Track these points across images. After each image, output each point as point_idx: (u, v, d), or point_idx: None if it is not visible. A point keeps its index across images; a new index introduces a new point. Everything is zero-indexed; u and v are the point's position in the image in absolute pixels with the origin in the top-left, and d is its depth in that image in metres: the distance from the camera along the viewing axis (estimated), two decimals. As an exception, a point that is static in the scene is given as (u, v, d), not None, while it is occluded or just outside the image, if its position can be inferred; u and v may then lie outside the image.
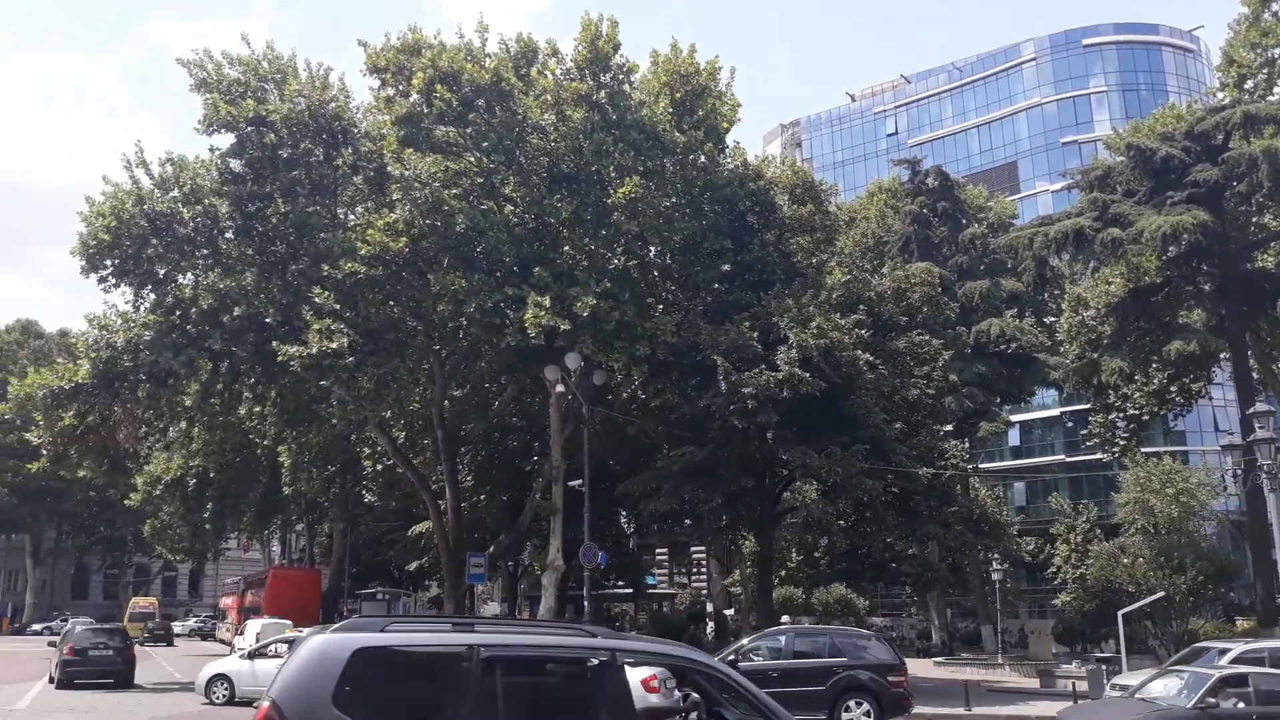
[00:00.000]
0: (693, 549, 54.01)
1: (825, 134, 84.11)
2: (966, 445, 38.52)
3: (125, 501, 49.21)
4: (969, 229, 43.45)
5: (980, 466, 47.52)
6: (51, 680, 25.78)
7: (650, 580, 54.82)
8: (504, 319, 24.31)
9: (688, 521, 34.61)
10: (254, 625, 35.11)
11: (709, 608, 46.15)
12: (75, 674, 24.71)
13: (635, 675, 15.17)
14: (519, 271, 25.01)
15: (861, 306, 26.62)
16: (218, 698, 21.37)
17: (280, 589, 41.52)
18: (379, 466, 38.12)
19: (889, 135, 79.36)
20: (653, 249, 27.50)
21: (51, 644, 33.27)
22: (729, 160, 29.18)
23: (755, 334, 24.93)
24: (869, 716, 17.05)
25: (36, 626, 64.93)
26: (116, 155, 29.87)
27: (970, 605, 47.57)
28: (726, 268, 27.75)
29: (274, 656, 21.08)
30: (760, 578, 32.14)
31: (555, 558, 28.44)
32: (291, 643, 21.27)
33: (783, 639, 19.28)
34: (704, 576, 54.48)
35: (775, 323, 24.89)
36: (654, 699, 15.35)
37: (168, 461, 39.71)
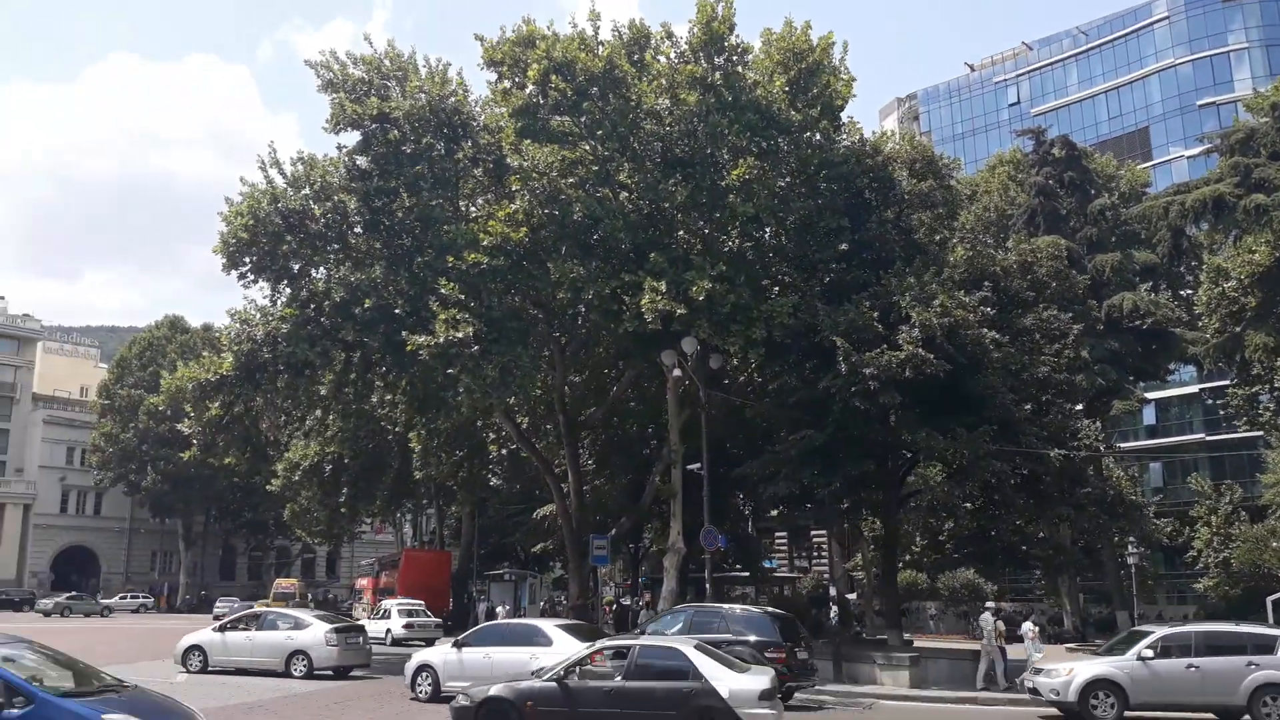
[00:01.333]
0: (812, 532, 53.58)
1: (944, 106, 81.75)
2: (1099, 425, 37.08)
3: (267, 487, 51.78)
4: (1098, 199, 41.66)
5: (1114, 447, 45.66)
6: None
7: (770, 564, 54.68)
8: (621, 305, 24.58)
9: (807, 505, 34.37)
10: (389, 605, 36.63)
11: (832, 592, 45.76)
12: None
13: (572, 646, 16.78)
14: (635, 257, 25.22)
15: (986, 283, 25.86)
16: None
17: (413, 570, 43.09)
18: (504, 451, 39.10)
19: (1011, 105, 76.64)
20: (768, 230, 27.34)
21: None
22: (845, 137, 28.71)
23: (875, 314, 24.50)
24: None
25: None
26: (252, 156, 31.29)
27: (1105, 590, 45.82)
28: (844, 247, 27.34)
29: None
30: (884, 562, 31.71)
31: (676, 540, 28.68)
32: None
33: (683, 617, 20.57)
34: (824, 560, 54.04)
35: (896, 302, 24.43)
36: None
37: (305, 448, 41.56)
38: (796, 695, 19.12)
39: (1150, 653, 17.13)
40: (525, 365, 26.67)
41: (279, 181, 27.99)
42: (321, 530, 57.48)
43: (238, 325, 28.65)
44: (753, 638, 18.80)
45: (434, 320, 24.55)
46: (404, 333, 25.27)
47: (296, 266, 28.22)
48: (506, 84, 27.25)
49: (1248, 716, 16.17)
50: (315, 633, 22.36)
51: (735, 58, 26.26)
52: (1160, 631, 18.22)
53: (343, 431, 37.54)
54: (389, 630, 35.35)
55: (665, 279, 23.26)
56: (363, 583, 57.65)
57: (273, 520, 71.75)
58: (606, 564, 36.69)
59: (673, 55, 26.90)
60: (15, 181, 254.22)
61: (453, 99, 28.40)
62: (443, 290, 24.80)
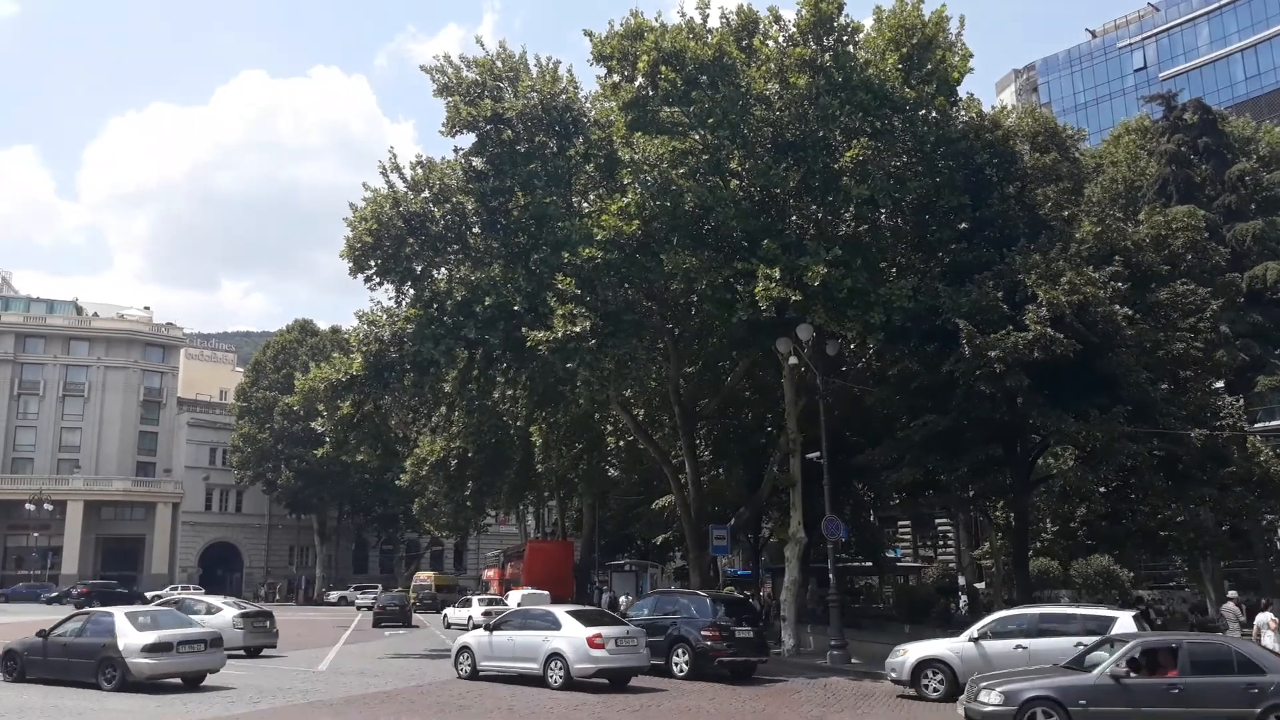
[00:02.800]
0: (937, 521, 52.41)
1: (1064, 75, 78.60)
2: (1242, 402, 35.11)
3: (396, 482, 53.57)
4: (1236, 165, 39.35)
5: (1259, 425, 43.16)
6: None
7: (894, 553, 53.74)
8: (734, 294, 24.50)
9: (931, 492, 33.65)
10: (515, 596, 37.46)
11: (960, 580, 44.69)
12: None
13: (578, 634, 19.49)
14: (747, 245, 25.09)
15: (1117, 258, 24.81)
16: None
17: (537, 561, 43.96)
18: (622, 443, 39.47)
19: (1136, 70, 73.16)
20: (884, 212, 26.82)
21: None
22: (962, 113, 27.95)
23: (999, 294, 23.80)
24: (686, 663, 21.12)
25: (332, 596, 72.07)
26: (373, 164, 32.30)
27: (1253, 577, 43.43)
28: (964, 226, 26.64)
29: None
30: (1015, 549, 30.82)
31: (797, 530, 28.49)
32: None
33: (649, 604, 24.31)
34: (950, 549, 52.80)
35: (1021, 280, 23.68)
36: (601, 655, 19.00)
37: (432, 444, 42.77)
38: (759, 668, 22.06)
39: (978, 633, 18.27)
40: (641, 357, 26.89)
41: (400, 186, 28.92)
42: (448, 523, 59.27)
43: (365, 326, 29.73)
44: (697, 616, 21.81)
45: (551, 316, 24.96)
46: (523, 329, 25.78)
47: (419, 268, 29.08)
48: (616, 78, 27.46)
49: None
50: (224, 617, 25.41)
51: (845, 37, 25.85)
52: (998, 614, 19.44)
53: (467, 427, 38.43)
54: (470, 618, 37.76)
55: (779, 266, 23.08)
56: (489, 573, 59.22)
57: (402, 514, 74.27)
58: (726, 554, 36.71)
59: (781, 39, 26.64)
60: (158, 199, 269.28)
61: (563, 96, 28.79)
62: (559, 286, 25.19)
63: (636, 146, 25.67)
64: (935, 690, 17.88)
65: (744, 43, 26.36)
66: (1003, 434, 25.61)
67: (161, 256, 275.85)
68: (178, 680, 18.30)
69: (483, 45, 29.32)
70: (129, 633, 17.95)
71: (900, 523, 54.59)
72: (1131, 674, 13.47)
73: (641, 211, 25.35)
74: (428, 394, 30.77)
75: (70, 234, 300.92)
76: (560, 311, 24.67)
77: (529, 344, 25.33)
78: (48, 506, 73.11)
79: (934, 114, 26.18)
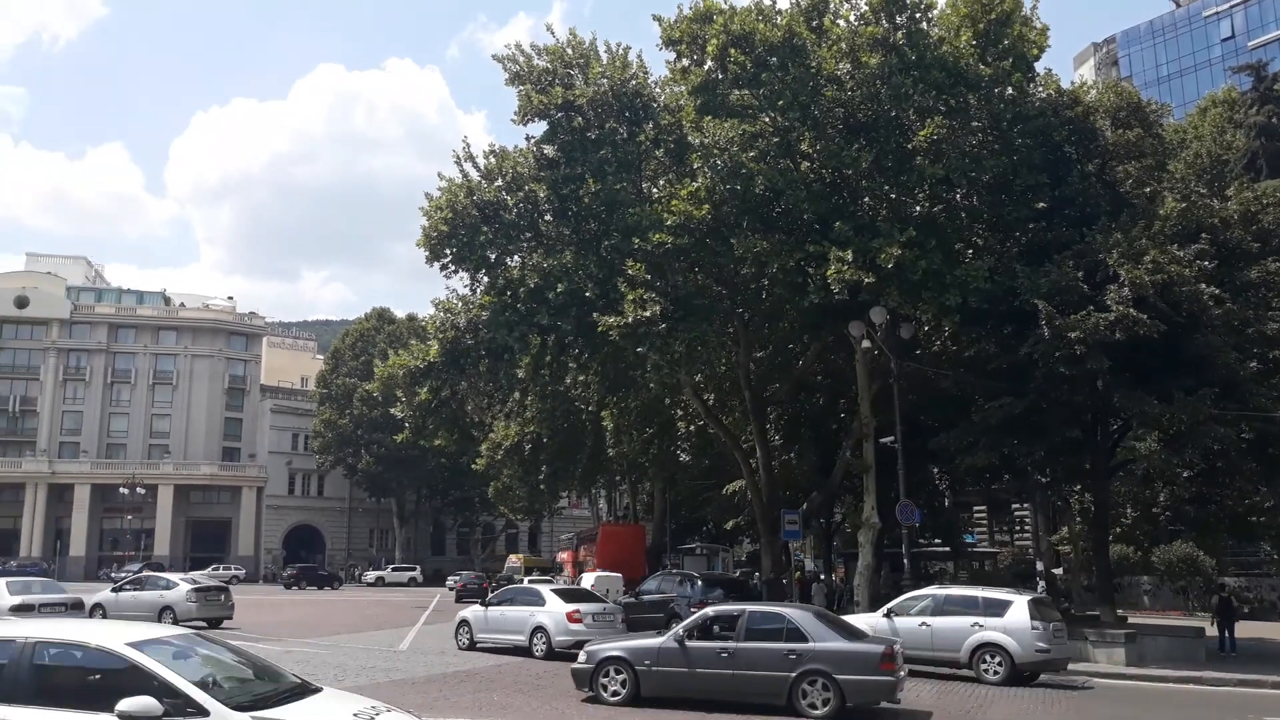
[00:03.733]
0: (1014, 505, 51.47)
1: (1146, 48, 76.08)
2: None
3: (472, 466, 54.50)
4: (1334, 136, 37.84)
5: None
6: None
7: (969, 538, 52.96)
8: (806, 277, 24.35)
9: (1008, 477, 33.09)
10: (588, 578, 37.93)
11: (1038, 566, 43.88)
12: (461, 596, 45.30)
13: (560, 609, 22.05)
14: (819, 228, 24.93)
15: (1204, 235, 24.01)
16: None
17: (610, 544, 44.34)
18: (692, 428, 39.60)
19: (1224, 40, 70.48)
20: (959, 191, 26.36)
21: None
22: (1039, 89, 27.29)
23: (1079, 274, 23.21)
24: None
25: (369, 576, 73.70)
26: (447, 154, 32.89)
27: (1352, 565, 41.81)
28: (1042, 205, 26.04)
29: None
30: (1094, 535, 30.19)
31: (870, 515, 28.31)
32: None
33: (655, 584, 28.17)
34: (1027, 534, 51.82)
35: (1102, 260, 23.08)
36: (579, 628, 21.43)
37: (507, 429, 43.44)
38: None
39: (889, 610, 19.89)
40: (711, 342, 26.93)
41: (474, 175, 29.35)
42: (523, 506, 60.15)
43: (442, 314, 30.34)
44: (690, 594, 25.23)
45: (622, 301, 25.13)
46: (594, 314, 26.00)
47: (493, 255, 29.51)
48: (685, 62, 27.42)
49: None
50: (179, 591, 28.01)
51: (918, 15, 25.41)
52: (909, 594, 20.84)
53: (540, 412, 38.97)
54: None
55: (851, 248, 22.88)
56: (563, 556, 59.89)
57: (478, 497, 75.54)
58: (798, 539, 36.61)
59: (852, 18, 26.33)
60: (241, 192, 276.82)
61: (633, 82, 28.88)
62: (630, 271, 25.35)
63: (706, 130, 25.64)
64: None
65: (814, 23, 26.09)
66: (1082, 417, 25.06)
67: (244, 248, 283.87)
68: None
69: (553, 33, 29.49)
70: (4, 595, 24.31)
71: (976, 507, 53.75)
72: (693, 638, 14.80)
73: (711, 196, 25.35)
74: (502, 380, 31.25)
75: (158, 227, 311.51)
76: (631, 297, 24.83)
77: (600, 329, 25.55)
78: (140, 490, 76.12)
79: (1010, 91, 25.64)
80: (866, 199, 25.76)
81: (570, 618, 21.63)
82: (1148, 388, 22.79)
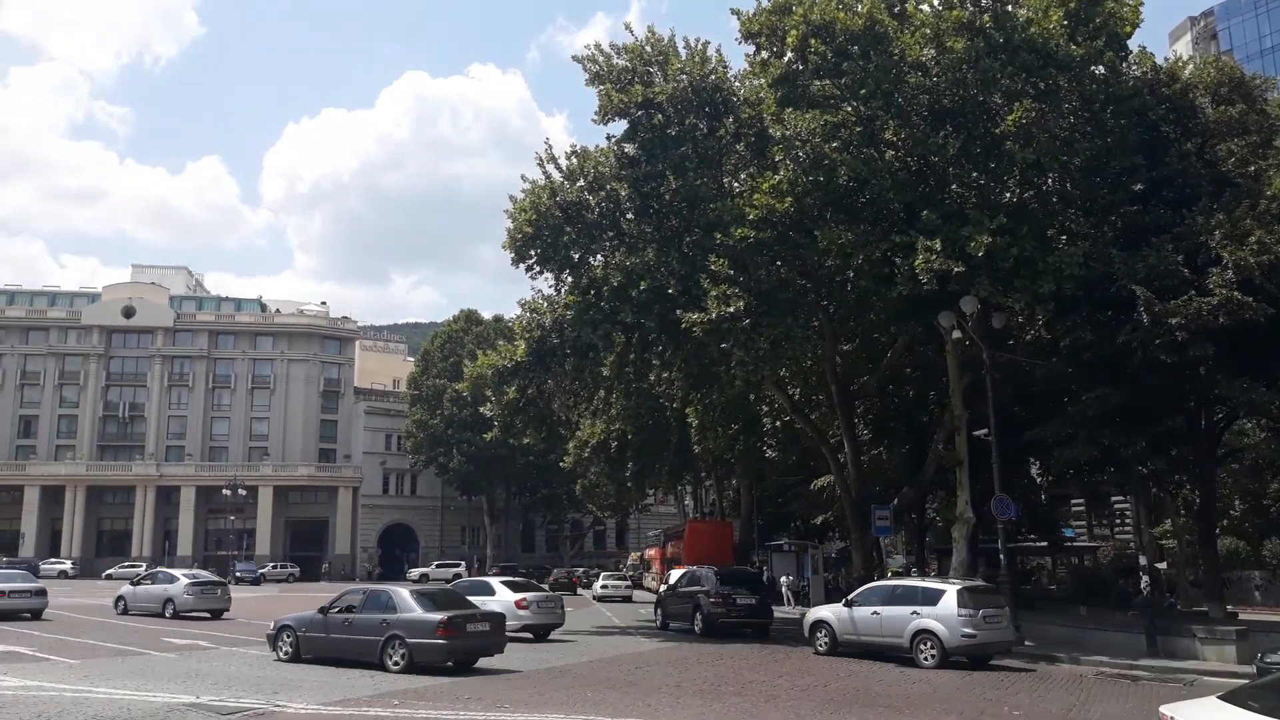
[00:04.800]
0: (1114, 498, 49.84)
1: (1247, 19, 72.87)
2: None
3: (560, 464, 55.08)
4: None
5: None
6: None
7: (1067, 532, 51.48)
8: (893, 268, 23.97)
9: (1108, 469, 32.05)
10: (675, 574, 38.00)
11: (1141, 561, 42.41)
12: (552, 588, 42.58)
13: (509, 598, 24.53)
14: (905, 217, 24.51)
15: (1315, 214, 22.92)
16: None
17: (697, 540, 44.31)
18: (778, 423, 39.30)
19: (1335, 9, 67.01)
20: (1051, 176, 25.62)
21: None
22: (1133, 68, 26.38)
23: (1179, 257, 22.37)
24: (699, 623, 27.21)
25: (414, 573, 74.45)
26: (529, 156, 33.34)
27: None
28: (1139, 187, 25.15)
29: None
30: (1200, 529, 29.06)
31: (964, 510, 27.73)
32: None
33: (686, 578, 30.23)
34: (1129, 527, 50.11)
35: (1203, 242, 22.20)
36: (525, 615, 24.38)
37: (593, 426, 43.75)
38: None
39: (848, 600, 22.11)
40: (796, 336, 26.69)
41: (556, 176, 29.67)
42: (610, 503, 60.63)
43: (528, 314, 30.76)
44: (709, 588, 27.44)
45: (705, 297, 25.11)
46: (677, 311, 26.04)
47: (577, 255, 29.79)
48: (765, 54, 27.26)
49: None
50: (179, 586, 31.14)
51: (1005, -3, 24.81)
52: (866, 586, 23.28)
53: (625, 409, 39.15)
54: (602, 588, 47.48)
55: (939, 237, 22.42)
56: (650, 553, 60.12)
57: (565, 495, 76.30)
58: (889, 534, 36.08)
59: (936, 3, 25.83)
60: (332, 199, 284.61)
61: (713, 77, 28.82)
62: (712, 267, 25.30)
63: (787, 122, 25.40)
64: (822, 644, 22.00)
65: (895, 9, 25.68)
66: (1185, 406, 24.19)
67: (336, 254, 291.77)
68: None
69: (631, 31, 29.64)
70: None
71: (1074, 501, 52.25)
72: (332, 612, 18.57)
73: (794, 188, 25.12)
74: (587, 378, 31.55)
75: (254, 236, 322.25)
76: (714, 292, 24.78)
77: (684, 326, 25.57)
78: (242, 491, 78.80)
79: (1103, 70, 24.80)
80: (954, 186, 25.23)
81: (519, 605, 24.55)
82: (1255, 374, 21.87)
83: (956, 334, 24.89)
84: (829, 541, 54.18)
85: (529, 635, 24.27)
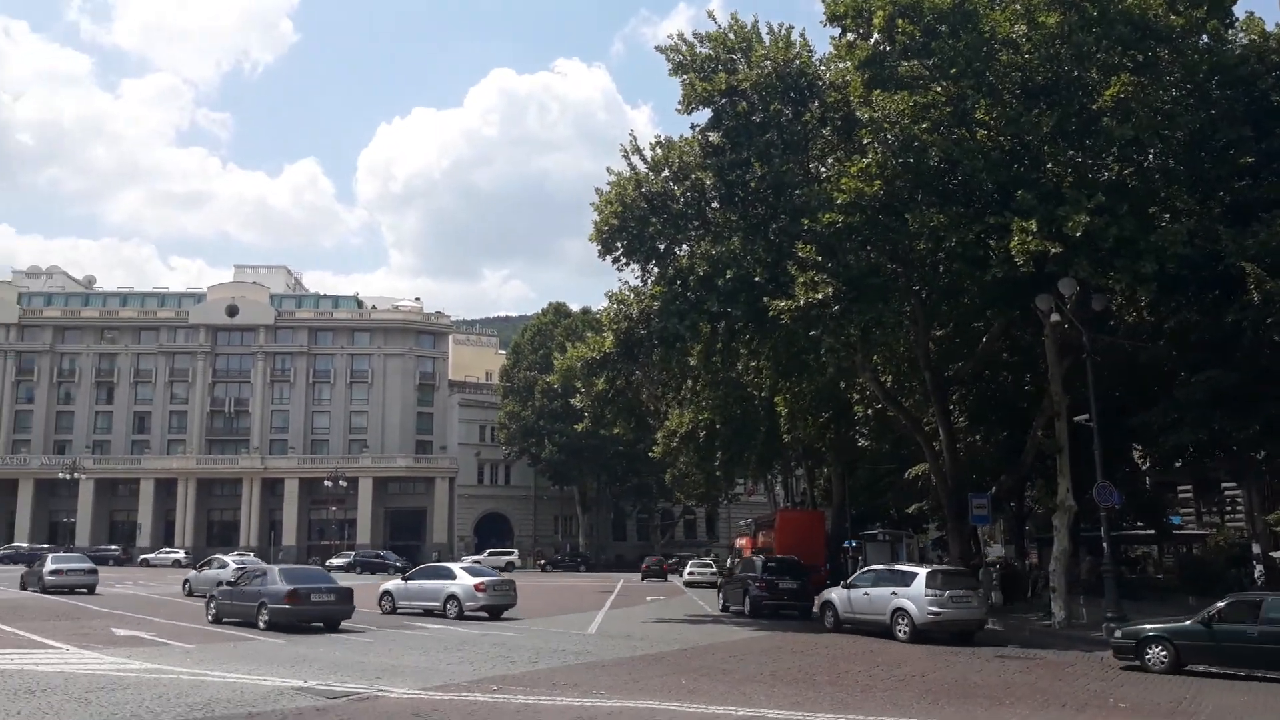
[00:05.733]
0: (1224, 485, 47.79)
1: (1370, -20, 68.66)
2: None
3: (649, 454, 55.37)
4: None
5: None
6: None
7: (1174, 520, 49.59)
8: (987, 250, 23.42)
9: (1217, 454, 30.79)
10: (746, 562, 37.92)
11: (1254, 549, 40.65)
12: (646, 574, 58.01)
13: (469, 582, 27.15)
14: (999, 198, 23.89)
15: None
16: None
17: (788, 530, 44.06)
18: (870, 411, 38.78)
19: None
20: (1151, 152, 24.67)
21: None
22: (1240, 35, 25.21)
23: (1293, 232, 21.40)
24: (747, 605, 29.77)
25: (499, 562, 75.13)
26: (614, 149, 33.60)
27: None
28: (1247, 160, 24.05)
29: None
30: (1321, 515, 27.72)
31: (1065, 498, 26.98)
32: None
33: (741, 565, 34.67)
34: (1240, 515, 48.05)
35: (1320, 216, 21.18)
36: (482, 597, 26.78)
37: (681, 416, 43.84)
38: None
39: (848, 583, 25.14)
40: (887, 322, 26.29)
41: (641, 167, 29.78)
42: (700, 493, 60.68)
43: (615, 306, 30.95)
44: (756, 574, 30.04)
45: (793, 284, 24.90)
46: (765, 299, 25.87)
47: (662, 246, 29.86)
48: (850, 36, 26.84)
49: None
50: (228, 571, 32.80)
51: (1100, -32, 23.92)
52: (862, 570, 27.26)
53: (713, 399, 39.11)
54: (690, 574, 51.59)
55: (1035, 217, 21.78)
56: (741, 542, 60.02)
57: (655, 484, 76.77)
58: (987, 523, 35.32)
59: (1026, -23, 25.04)
60: (424, 197, 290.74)
61: (797, 62, 28.51)
62: (800, 253, 25.07)
63: (875, 105, 24.99)
64: (829, 621, 24.79)
65: (986, -15, 25.00)
66: (1302, 387, 23.07)
67: (428, 250, 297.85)
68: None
69: (714, 19, 29.51)
70: (48, 564, 37.27)
71: (1181, 487, 50.26)
72: (236, 583, 25.20)
73: (883, 171, 24.71)
74: (675, 368, 31.61)
75: (350, 235, 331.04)
76: (802, 279, 24.55)
77: (771, 314, 25.41)
78: (343, 483, 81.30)
79: (1206, 40, 23.77)
80: (1049, 165, 24.46)
81: (478, 588, 26.94)
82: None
83: (1055, 317, 24.18)
84: (924, 531, 53.29)
85: (485, 615, 27.02)
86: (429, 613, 27.41)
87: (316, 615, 22.80)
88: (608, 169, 30.34)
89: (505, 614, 27.52)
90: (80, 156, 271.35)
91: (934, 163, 24.13)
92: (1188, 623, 17.03)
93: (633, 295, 30.70)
